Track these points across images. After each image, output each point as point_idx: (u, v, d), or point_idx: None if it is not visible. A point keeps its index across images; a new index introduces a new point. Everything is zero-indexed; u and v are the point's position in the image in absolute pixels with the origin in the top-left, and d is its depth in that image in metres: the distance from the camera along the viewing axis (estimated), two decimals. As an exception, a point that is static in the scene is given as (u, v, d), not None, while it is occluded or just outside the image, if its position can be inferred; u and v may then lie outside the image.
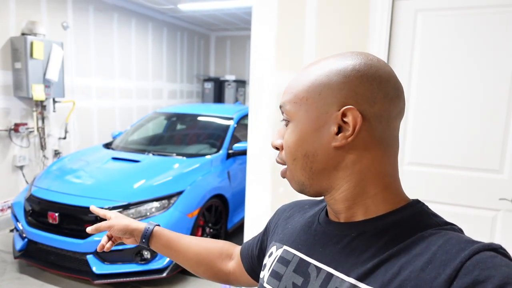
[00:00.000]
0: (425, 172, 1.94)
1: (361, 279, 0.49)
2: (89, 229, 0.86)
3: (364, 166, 0.54)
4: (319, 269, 0.55)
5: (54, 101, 4.25)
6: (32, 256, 2.89)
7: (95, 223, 2.67)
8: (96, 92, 5.03)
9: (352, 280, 0.50)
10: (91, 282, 2.67)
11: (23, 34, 3.88)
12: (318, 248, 0.58)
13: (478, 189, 1.84)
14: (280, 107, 0.59)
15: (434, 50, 1.89)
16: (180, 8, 5.30)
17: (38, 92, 3.88)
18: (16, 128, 3.87)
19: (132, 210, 2.79)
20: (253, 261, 0.79)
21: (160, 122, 4.53)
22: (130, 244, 0.90)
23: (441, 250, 0.46)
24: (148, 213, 2.79)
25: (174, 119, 4.49)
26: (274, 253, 0.65)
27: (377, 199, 0.55)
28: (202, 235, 3.17)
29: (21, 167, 4.04)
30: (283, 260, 0.62)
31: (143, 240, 0.85)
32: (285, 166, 0.59)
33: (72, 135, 4.67)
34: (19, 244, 2.94)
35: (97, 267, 2.65)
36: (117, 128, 5.32)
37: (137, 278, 2.70)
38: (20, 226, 2.92)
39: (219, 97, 7.36)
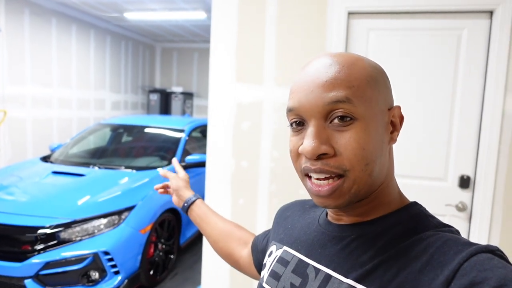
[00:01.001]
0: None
1: (359, 280, 0.49)
2: (160, 171, 1.05)
3: (390, 164, 0.57)
4: (317, 270, 0.55)
5: (-18, 110, 3.85)
6: None
7: (35, 243, 2.43)
8: (32, 101, 4.64)
9: (350, 282, 0.50)
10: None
11: None
12: (317, 249, 0.58)
13: (426, 196, 1.99)
14: (338, 101, 0.49)
15: (384, 67, 2.03)
16: (126, 16, 5.13)
17: (-37, 99, 3.48)
18: None
19: (77, 228, 2.58)
20: (258, 255, 0.80)
21: (104, 134, 4.29)
22: (175, 203, 1.02)
23: (438, 252, 0.47)
24: (96, 231, 2.60)
25: (120, 130, 4.28)
26: (274, 253, 0.66)
27: (387, 199, 0.56)
28: (154, 252, 3.02)
29: None
30: (282, 261, 0.62)
31: (184, 205, 0.98)
32: (330, 180, 0.50)
33: (3, 147, 4.24)
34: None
35: (37, 293, 2.40)
36: (55, 140, 4.95)
37: (82, 303, 2.49)
38: None
39: (165, 109, 7.19)
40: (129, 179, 3.17)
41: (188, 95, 7.22)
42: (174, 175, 1.04)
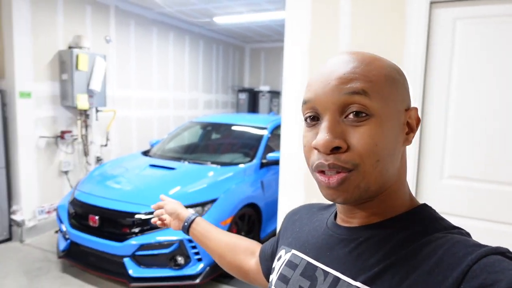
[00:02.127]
0: (466, 187, 1.87)
1: (368, 283, 0.49)
2: (153, 206, 1.04)
3: (402, 166, 0.56)
4: (326, 273, 0.55)
5: (97, 110, 4.48)
6: (74, 257, 3.03)
7: (132, 227, 2.74)
8: (136, 102, 5.25)
9: (359, 284, 0.49)
10: (127, 284, 2.76)
11: (69, 47, 4.14)
12: (326, 252, 0.57)
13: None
14: (355, 92, 0.49)
15: (475, 60, 1.83)
16: (215, 21, 5.45)
17: (82, 101, 4.11)
18: (62, 135, 4.11)
19: (167, 216, 2.87)
20: (267, 263, 0.80)
21: (195, 131, 4.65)
22: (173, 228, 1.00)
23: (448, 253, 0.46)
24: (182, 219, 2.86)
25: (209, 128, 4.59)
26: (282, 256, 0.65)
27: (397, 201, 0.56)
28: (234, 243, 3.19)
29: (66, 172, 4.27)
30: (291, 264, 0.62)
31: (185, 225, 0.96)
32: (340, 173, 0.50)
33: (113, 142, 4.89)
34: (63, 244, 3.10)
35: (134, 270, 2.74)
36: (155, 136, 5.51)
37: (171, 283, 2.76)
38: (63, 228, 3.09)
39: (253, 108, 7.45)
40: (214, 174, 3.39)
41: (274, 94, 7.37)
42: (168, 200, 1.04)
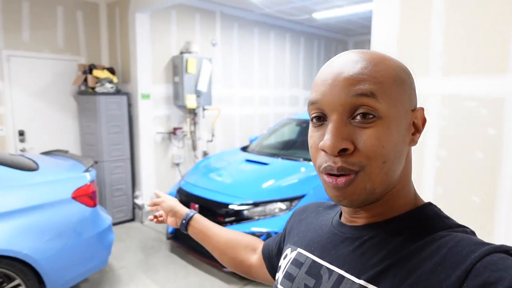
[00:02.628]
0: None
1: (371, 281, 0.49)
2: (148, 203, 1.06)
3: (407, 166, 0.56)
4: (331, 271, 0.55)
5: (203, 109, 4.93)
6: (179, 239, 3.43)
7: (227, 216, 2.96)
8: (238, 100, 5.59)
9: (362, 282, 0.50)
10: (221, 269, 3.00)
11: (181, 52, 4.64)
12: (330, 250, 0.58)
13: None
14: (363, 94, 0.49)
15: None
16: (314, 17, 5.44)
17: (191, 101, 4.57)
18: (174, 131, 4.64)
19: (259, 208, 3.03)
20: (272, 260, 0.80)
21: (292, 128, 4.74)
22: (171, 225, 1.01)
23: (451, 252, 0.46)
24: (271, 213, 2.98)
25: (305, 125, 4.63)
26: (288, 255, 0.66)
27: (402, 201, 0.56)
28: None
29: (177, 164, 4.82)
30: (296, 262, 0.63)
31: (183, 222, 0.96)
32: (347, 175, 0.50)
33: (218, 138, 5.31)
34: (170, 228, 3.52)
35: (226, 256, 2.97)
36: (256, 132, 5.79)
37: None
38: (171, 213, 3.50)
39: (355, 103, 7.20)
40: (306, 170, 3.44)
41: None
42: (165, 197, 1.01)
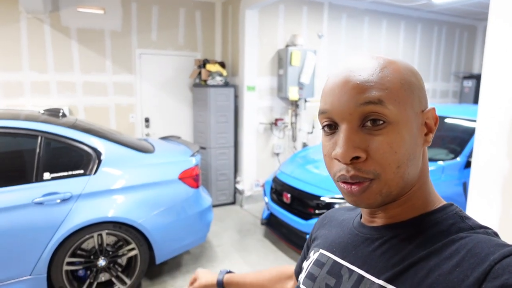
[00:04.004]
0: None
1: (390, 281, 0.50)
2: (190, 280, 1.03)
3: (424, 166, 0.56)
4: (351, 271, 0.57)
5: (305, 101, 4.97)
6: (272, 226, 3.59)
7: (317, 208, 2.97)
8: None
9: (381, 282, 0.51)
10: (308, 259, 3.05)
11: (286, 46, 4.74)
12: (351, 251, 0.59)
13: None
14: (371, 102, 0.49)
15: None
16: (433, 1, 4.93)
17: (293, 93, 4.66)
18: (276, 122, 4.81)
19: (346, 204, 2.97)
20: None
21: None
22: None
23: (470, 253, 0.46)
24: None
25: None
26: (311, 257, 0.68)
27: (420, 201, 0.56)
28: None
29: (277, 154, 4.99)
30: (318, 263, 0.64)
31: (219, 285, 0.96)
32: (361, 183, 0.51)
33: (318, 130, 5.30)
34: (265, 214, 3.71)
35: (314, 248, 3.01)
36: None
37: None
38: (266, 200, 3.69)
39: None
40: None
41: None
42: (199, 275, 1.02)
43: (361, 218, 0.63)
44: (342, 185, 0.53)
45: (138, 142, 3.13)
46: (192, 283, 1.02)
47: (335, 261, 0.61)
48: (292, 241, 3.28)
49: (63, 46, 4.21)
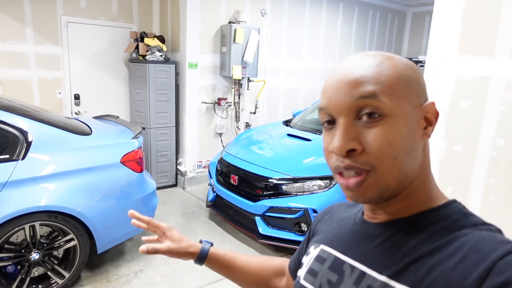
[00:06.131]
0: None
1: (393, 277, 0.50)
2: (142, 248, 0.78)
3: (424, 160, 0.56)
4: (353, 267, 0.57)
5: (249, 80, 4.90)
6: (218, 208, 3.54)
7: (265, 190, 2.98)
8: (284, 72, 5.49)
9: (384, 278, 0.51)
10: (256, 239, 3.08)
11: (229, 22, 4.59)
12: (353, 246, 0.59)
13: None
14: (366, 96, 0.50)
15: None
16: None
17: (237, 72, 4.56)
18: (219, 102, 4.69)
19: (298, 184, 3.02)
20: (296, 272, 0.77)
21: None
22: (169, 255, 0.83)
23: (473, 250, 0.46)
24: (310, 189, 2.97)
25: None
26: (311, 252, 0.68)
27: (422, 196, 0.56)
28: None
29: (220, 134, 4.90)
30: (319, 258, 0.64)
31: (199, 260, 0.84)
32: (358, 176, 0.51)
33: (261, 110, 5.30)
34: (210, 196, 3.64)
35: (263, 228, 3.04)
36: (300, 107, 5.70)
37: (293, 246, 2.95)
38: (212, 182, 3.61)
39: (408, 80, 6.80)
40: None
41: (436, 65, 6.54)
42: (168, 226, 0.87)
43: (362, 214, 0.63)
44: (340, 179, 0.54)
45: (72, 122, 2.83)
46: (158, 239, 0.85)
47: (336, 257, 0.61)
48: (239, 222, 3.28)
49: (-29, 9, 3.60)
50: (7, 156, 2.26)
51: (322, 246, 0.66)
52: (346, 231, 0.63)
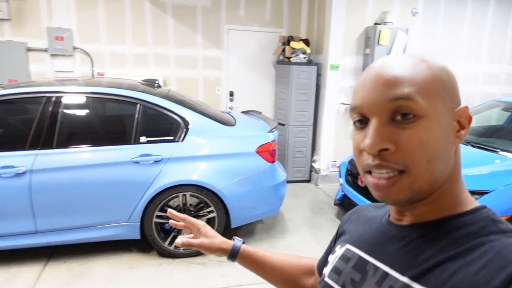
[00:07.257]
0: None
1: (415, 279, 0.51)
2: (178, 241, 0.86)
3: (456, 164, 0.55)
4: (376, 267, 0.58)
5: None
6: (345, 207, 3.58)
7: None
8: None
9: (406, 280, 0.52)
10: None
11: (375, 23, 4.51)
12: (378, 247, 0.60)
13: None
14: (401, 98, 0.50)
15: None
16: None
17: (379, 74, 4.45)
18: (358, 103, 4.67)
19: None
20: None
21: (498, 112, 4.01)
22: (205, 251, 0.88)
23: (498, 256, 0.46)
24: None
25: (513, 110, 3.84)
26: (337, 251, 0.69)
27: (450, 201, 0.55)
28: None
29: (357, 136, 4.87)
30: (344, 257, 0.65)
31: (231, 256, 0.87)
32: (391, 178, 0.51)
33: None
34: (339, 195, 3.71)
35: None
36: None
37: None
38: (341, 181, 3.68)
39: None
40: (501, 163, 2.93)
41: None
42: (203, 223, 0.91)
43: (389, 216, 0.63)
44: (370, 179, 0.53)
45: (222, 115, 3.34)
46: (194, 236, 0.89)
47: (360, 257, 0.62)
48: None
49: (160, 21, 4.58)
50: (172, 137, 2.86)
51: (348, 246, 0.67)
52: (372, 232, 0.64)
